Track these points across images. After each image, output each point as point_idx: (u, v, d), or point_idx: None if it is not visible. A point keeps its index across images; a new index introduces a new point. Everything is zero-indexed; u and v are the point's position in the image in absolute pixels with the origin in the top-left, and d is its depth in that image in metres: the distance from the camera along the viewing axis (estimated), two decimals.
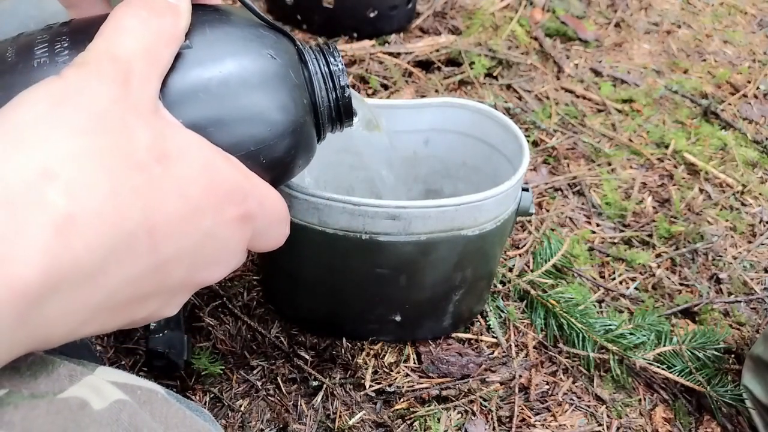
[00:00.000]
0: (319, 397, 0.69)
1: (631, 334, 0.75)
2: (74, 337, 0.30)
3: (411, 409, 0.68)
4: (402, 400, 0.69)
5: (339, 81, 0.43)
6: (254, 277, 0.79)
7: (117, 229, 0.28)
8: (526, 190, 0.67)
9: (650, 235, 0.93)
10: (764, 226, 0.98)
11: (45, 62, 0.34)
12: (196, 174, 0.32)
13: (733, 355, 0.78)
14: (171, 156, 0.31)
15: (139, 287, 0.31)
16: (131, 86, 0.31)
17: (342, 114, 0.44)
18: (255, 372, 0.70)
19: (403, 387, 0.70)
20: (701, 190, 1.02)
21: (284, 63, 0.39)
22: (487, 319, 0.77)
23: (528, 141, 0.96)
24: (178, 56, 0.35)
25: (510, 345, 0.76)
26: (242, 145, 0.36)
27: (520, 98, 1.15)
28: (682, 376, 0.73)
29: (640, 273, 0.88)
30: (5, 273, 0.25)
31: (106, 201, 0.28)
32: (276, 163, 0.39)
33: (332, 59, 0.43)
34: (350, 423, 0.67)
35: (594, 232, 0.93)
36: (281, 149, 0.38)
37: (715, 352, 0.75)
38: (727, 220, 0.97)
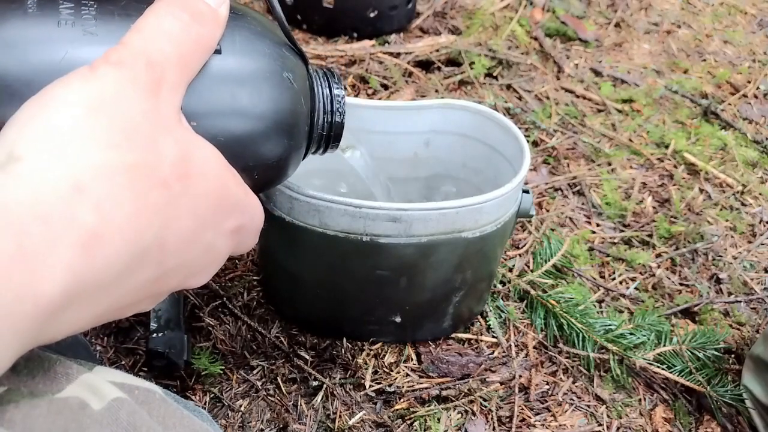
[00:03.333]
0: (319, 397, 0.69)
1: (631, 334, 0.75)
2: (73, 334, 0.30)
3: (411, 409, 0.68)
4: (402, 400, 0.69)
5: (337, 108, 0.44)
6: (254, 277, 0.79)
7: (135, 247, 0.29)
8: (527, 192, 0.67)
9: (650, 235, 0.93)
10: (764, 226, 0.98)
11: (69, 24, 0.33)
12: (210, 193, 0.33)
13: (733, 355, 0.79)
14: (191, 175, 0.32)
15: (139, 294, 0.32)
16: (161, 95, 0.32)
17: (330, 140, 0.45)
18: (255, 372, 0.70)
19: (403, 387, 0.70)
20: (701, 190, 1.02)
21: (299, 89, 0.40)
22: (487, 319, 0.77)
23: (528, 141, 0.96)
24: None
25: (510, 345, 0.76)
26: (243, 159, 0.37)
27: (520, 98, 1.15)
28: (682, 376, 0.73)
29: (640, 273, 0.88)
30: (33, 290, 0.25)
31: (129, 219, 0.29)
32: (265, 178, 0.40)
33: (335, 86, 0.44)
34: (350, 423, 0.67)
35: (594, 232, 0.93)
36: (274, 168, 0.40)
37: (715, 352, 0.75)
38: (727, 220, 0.97)
